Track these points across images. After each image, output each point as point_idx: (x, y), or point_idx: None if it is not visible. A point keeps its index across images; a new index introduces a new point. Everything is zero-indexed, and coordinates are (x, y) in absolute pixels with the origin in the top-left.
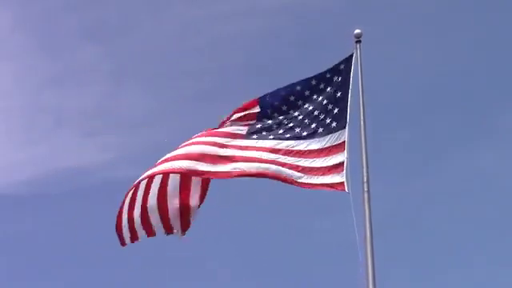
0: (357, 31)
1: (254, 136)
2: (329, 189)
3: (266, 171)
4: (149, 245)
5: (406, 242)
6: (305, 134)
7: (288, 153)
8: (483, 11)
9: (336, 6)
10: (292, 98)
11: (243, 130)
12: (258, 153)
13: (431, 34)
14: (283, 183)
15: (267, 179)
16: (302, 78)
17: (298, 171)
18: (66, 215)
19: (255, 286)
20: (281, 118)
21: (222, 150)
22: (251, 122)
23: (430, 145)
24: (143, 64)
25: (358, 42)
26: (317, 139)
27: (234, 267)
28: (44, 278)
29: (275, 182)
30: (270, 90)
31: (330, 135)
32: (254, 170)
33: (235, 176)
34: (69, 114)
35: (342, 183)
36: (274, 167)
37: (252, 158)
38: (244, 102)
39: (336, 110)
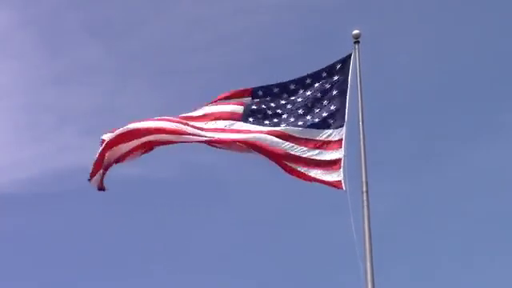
0: (355, 32)
1: (251, 119)
2: (325, 184)
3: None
4: (146, 242)
5: (405, 242)
6: (300, 123)
7: (284, 137)
8: (483, 10)
9: (338, 4)
10: (285, 94)
11: (239, 109)
12: (257, 135)
13: (431, 33)
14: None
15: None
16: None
17: (294, 160)
18: (68, 214)
19: (254, 285)
20: (273, 105)
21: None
22: (245, 101)
23: (430, 144)
24: (147, 62)
25: (357, 42)
26: (310, 130)
27: (234, 266)
28: (45, 276)
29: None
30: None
31: (326, 130)
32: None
33: (230, 143)
34: (72, 112)
35: (340, 181)
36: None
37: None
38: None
39: (332, 107)
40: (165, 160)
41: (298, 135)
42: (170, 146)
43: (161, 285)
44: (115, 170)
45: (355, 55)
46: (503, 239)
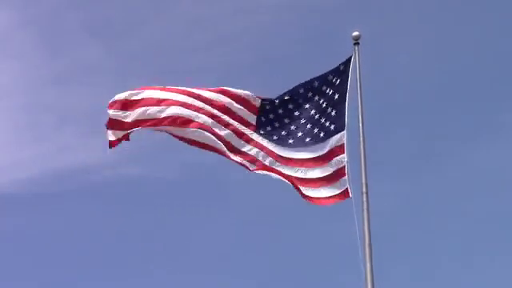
0: (355, 33)
1: (262, 131)
2: (330, 202)
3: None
4: (146, 242)
5: (405, 242)
6: (308, 139)
7: (288, 161)
8: (483, 10)
9: (338, 4)
10: (294, 98)
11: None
12: (263, 155)
13: (431, 33)
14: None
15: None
16: (305, 80)
17: (298, 182)
18: (68, 214)
19: (254, 285)
20: (282, 114)
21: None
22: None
23: (430, 144)
24: (147, 62)
25: (357, 44)
26: (318, 145)
27: (234, 266)
28: (45, 276)
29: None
30: (274, 88)
31: (330, 139)
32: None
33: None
34: (72, 112)
35: (345, 191)
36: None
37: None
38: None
39: (334, 113)
40: (165, 160)
41: (306, 157)
42: (170, 145)
43: (161, 285)
44: (115, 170)
45: (355, 57)
46: (503, 239)
